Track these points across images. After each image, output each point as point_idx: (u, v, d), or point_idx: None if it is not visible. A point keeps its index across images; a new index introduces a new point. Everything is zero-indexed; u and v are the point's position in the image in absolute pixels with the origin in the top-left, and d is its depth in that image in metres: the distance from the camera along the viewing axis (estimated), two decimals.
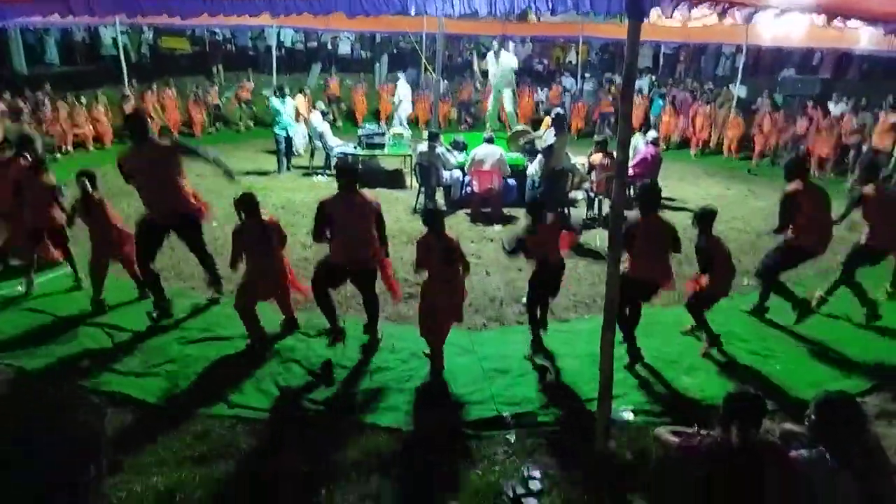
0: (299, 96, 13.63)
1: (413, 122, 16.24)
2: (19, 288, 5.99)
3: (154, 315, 5.56)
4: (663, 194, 10.11)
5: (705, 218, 5.14)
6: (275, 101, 11.81)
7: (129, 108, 14.38)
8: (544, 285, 5.19)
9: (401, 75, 15.73)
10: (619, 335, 4.34)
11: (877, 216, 5.72)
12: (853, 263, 5.85)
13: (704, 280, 5.15)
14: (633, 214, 4.88)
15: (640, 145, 10.20)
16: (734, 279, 5.29)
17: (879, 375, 4.96)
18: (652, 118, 16.50)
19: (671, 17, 3.94)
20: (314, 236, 5.01)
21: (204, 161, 5.53)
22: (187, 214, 5.47)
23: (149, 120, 6.21)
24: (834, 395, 2.79)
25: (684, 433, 2.92)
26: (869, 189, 5.80)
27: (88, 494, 1.05)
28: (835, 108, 14.28)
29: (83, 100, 13.61)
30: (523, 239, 5.07)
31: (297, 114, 12.79)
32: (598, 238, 8.10)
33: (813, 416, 2.72)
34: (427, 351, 4.94)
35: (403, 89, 15.38)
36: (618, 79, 18.33)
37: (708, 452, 2.69)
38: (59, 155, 12.25)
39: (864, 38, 11.00)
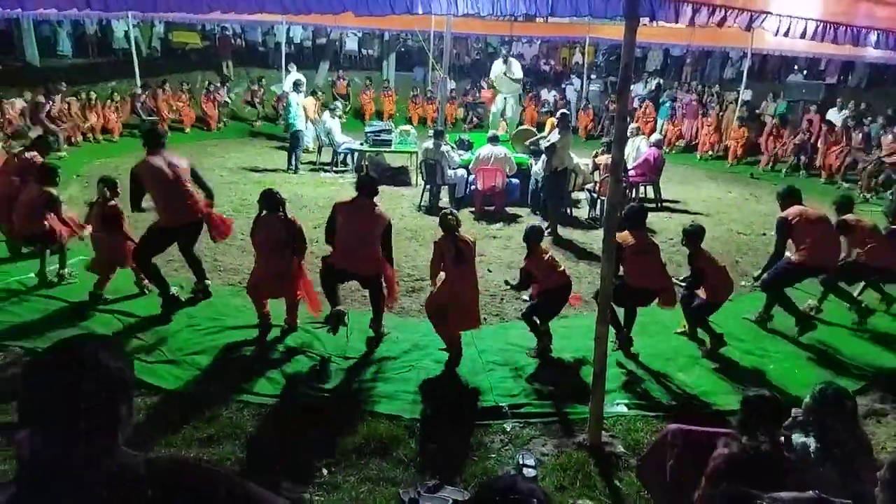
0: (310, 97, 13.60)
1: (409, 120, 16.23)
2: (32, 275, 6.14)
3: (164, 305, 5.69)
4: (666, 196, 10.34)
5: (692, 235, 5.31)
6: (294, 97, 11.87)
7: (137, 103, 14.58)
8: (550, 305, 5.23)
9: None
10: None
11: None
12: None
13: (702, 291, 5.31)
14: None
15: (642, 147, 10.33)
16: (731, 284, 5.43)
17: (870, 377, 5.09)
18: (659, 122, 16.56)
19: (676, 21, 4.05)
20: (326, 238, 5.23)
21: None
22: (198, 222, 5.69)
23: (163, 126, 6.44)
24: (832, 386, 2.95)
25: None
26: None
27: (120, 435, 1.14)
28: (837, 116, 14.31)
29: (93, 94, 13.76)
30: (525, 269, 5.25)
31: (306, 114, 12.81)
32: (598, 239, 8.22)
33: (809, 402, 2.89)
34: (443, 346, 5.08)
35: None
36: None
37: (731, 453, 2.71)
38: (64, 149, 11.96)
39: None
